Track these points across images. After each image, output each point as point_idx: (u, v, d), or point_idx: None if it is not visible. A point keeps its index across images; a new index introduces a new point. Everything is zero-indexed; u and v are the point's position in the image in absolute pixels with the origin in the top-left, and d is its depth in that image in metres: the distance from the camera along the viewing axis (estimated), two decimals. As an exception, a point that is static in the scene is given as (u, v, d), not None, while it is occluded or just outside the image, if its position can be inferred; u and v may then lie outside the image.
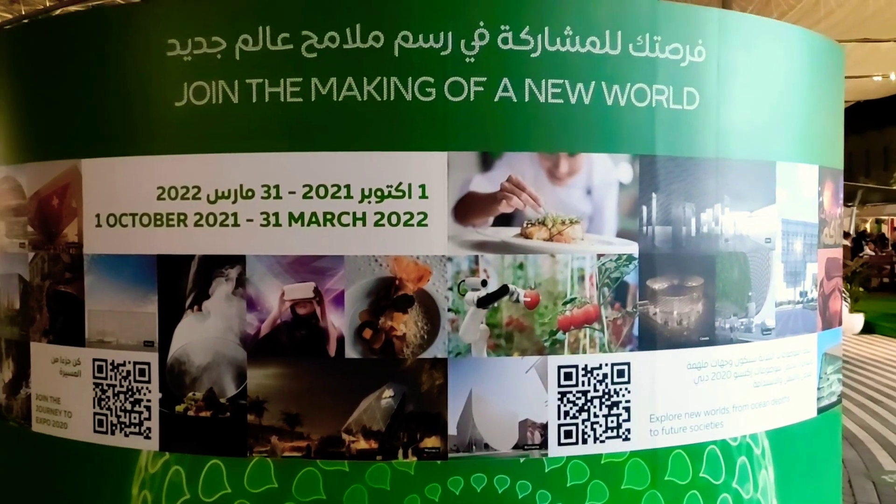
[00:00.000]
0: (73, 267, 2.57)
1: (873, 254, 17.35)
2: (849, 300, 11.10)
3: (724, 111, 2.60)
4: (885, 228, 31.10)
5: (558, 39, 2.38)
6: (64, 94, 2.62)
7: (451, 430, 2.36)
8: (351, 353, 2.35)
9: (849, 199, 17.72)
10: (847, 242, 16.85)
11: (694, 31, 2.53)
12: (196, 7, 2.46)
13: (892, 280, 16.35)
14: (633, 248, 2.47)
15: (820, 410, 2.94)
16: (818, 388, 2.93)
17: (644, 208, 2.48)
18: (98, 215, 2.52)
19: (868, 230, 32.11)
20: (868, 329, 10.83)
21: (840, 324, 3.14)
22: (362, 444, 2.35)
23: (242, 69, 2.36)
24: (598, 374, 2.45)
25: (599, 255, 2.44)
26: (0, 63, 2.85)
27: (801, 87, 2.84)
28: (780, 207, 2.75)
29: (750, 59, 2.65)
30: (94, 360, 2.53)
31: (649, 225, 2.49)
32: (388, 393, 2.35)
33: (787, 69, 2.78)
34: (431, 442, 2.36)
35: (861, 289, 13.60)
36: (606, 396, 2.46)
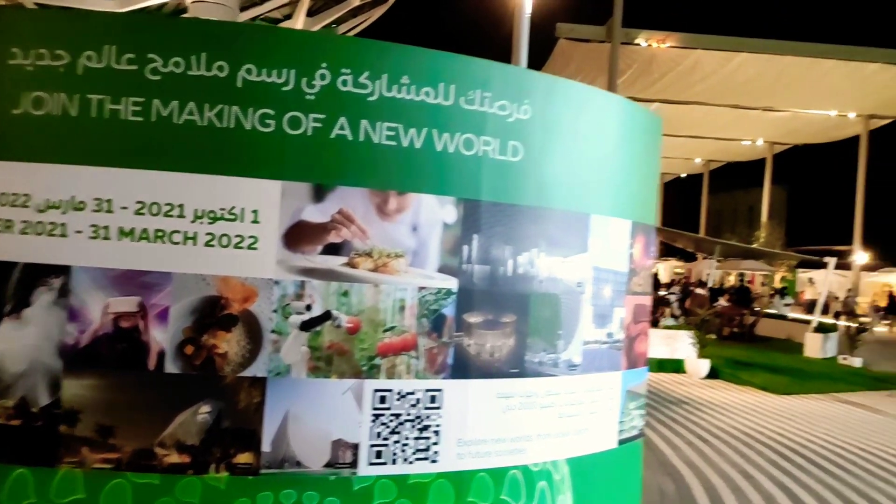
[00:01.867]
0: None
1: (727, 305, 18.63)
2: (697, 346, 11.89)
3: (546, 165, 2.86)
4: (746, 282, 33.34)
5: (395, 87, 2.57)
6: None
7: (265, 446, 2.45)
8: (171, 367, 2.41)
9: (709, 253, 18.98)
10: (704, 292, 18.02)
11: (522, 92, 2.79)
12: (42, 19, 2.49)
13: (742, 330, 17.61)
14: (452, 283, 2.67)
15: (621, 442, 3.22)
16: (620, 422, 3.22)
17: (465, 248, 2.69)
18: (-81, 215, 2.47)
19: (729, 283, 34.36)
20: (713, 374, 11.61)
21: (645, 364, 3.46)
22: (175, 458, 2.40)
23: (85, 84, 2.41)
24: (411, 399, 2.61)
25: (421, 288, 2.62)
26: None
27: (619, 150, 3.16)
28: (592, 256, 3.03)
29: (573, 121, 2.94)
30: None
31: (469, 263, 2.70)
32: (205, 409, 2.42)
33: (607, 133, 3.09)
34: (244, 458, 2.44)
35: (713, 336, 14.61)
36: (418, 420, 2.62)
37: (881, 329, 23.59)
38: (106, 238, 2.40)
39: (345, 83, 2.52)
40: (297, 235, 2.48)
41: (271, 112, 2.46)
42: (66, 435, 2.39)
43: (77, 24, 2.46)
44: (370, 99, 2.54)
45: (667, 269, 39.56)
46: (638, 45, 20.51)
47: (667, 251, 42.82)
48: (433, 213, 2.64)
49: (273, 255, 2.46)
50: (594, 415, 3.08)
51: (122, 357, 2.40)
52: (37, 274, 2.40)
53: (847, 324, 16.85)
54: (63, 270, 2.39)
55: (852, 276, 26.71)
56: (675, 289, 21.44)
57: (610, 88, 20.01)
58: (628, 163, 3.22)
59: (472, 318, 2.72)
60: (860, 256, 26.40)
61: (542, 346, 2.88)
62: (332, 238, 2.52)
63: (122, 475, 2.39)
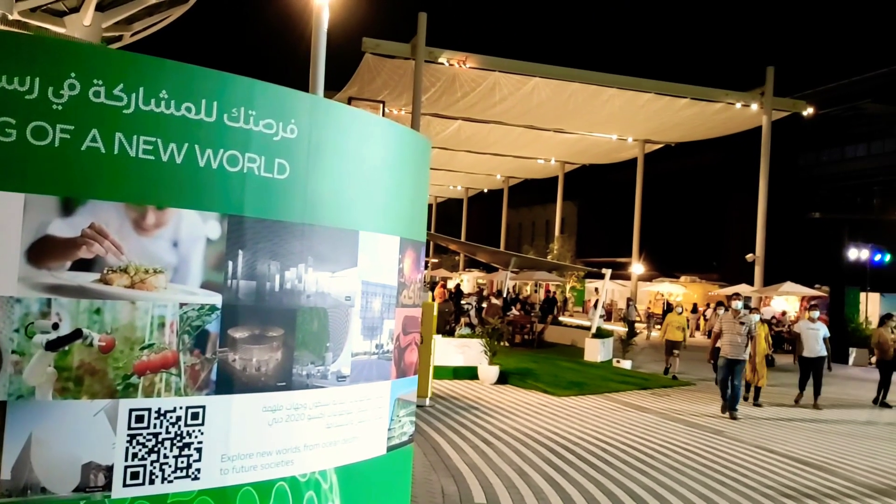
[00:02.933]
0: None
1: (519, 314, 19.77)
2: (488, 354, 12.51)
3: (313, 183, 2.95)
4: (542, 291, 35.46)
5: (153, 100, 2.54)
6: None
7: (5, 474, 2.31)
8: None
9: (505, 265, 20.04)
10: (498, 302, 18.98)
11: (288, 111, 2.86)
12: None
13: (532, 337, 18.77)
14: (216, 298, 2.67)
15: (390, 448, 3.37)
16: (389, 429, 3.36)
17: (230, 263, 2.71)
18: None
19: (525, 294, 36.40)
20: (503, 379, 12.27)
21: (415, 373, 3.64)
22: None
23: None
24: (171, 417, 2.58)
25: (182, 304, 2.60)
26: None
27: (387, 169, 3.32)
28: (362, 270, 3.16)
29: (340, 141, 3.05)
30: None
31: (234, 278, 2.72)
32: (-67, 437, 2.24)
33: (374, 153, 3.24)
34: (-20, 488, 2.29)
35: (506, 343, 15.43)
36: (178, 438, 2.59)
37: (654, 334, 26.11)
38: None
39: (97, 94, 2.45)
40: (43, 251, 2.37)
41: (12, 121, 2.34)
42: None
43: None
44: (126, 112, 2.49)
45: (471, 280, 41.24)
46: (441, 63, 21.25)
47: (470, 263, 44.71)
48: (195, 228, 2.64)
49: (14, 272, 2.33)
50: (363, 423, 3.20)
51: None
52: None
53: (623, 329, 18.51)
54: None
55: (631, 286, 29.30)
56: (472, 299, 22.37)
57: (414, 105, 20.57)
58: (397, 182, 3.39)
59: (238, 334, 2.73)
60: (637, 268, 29.04)
61: (310, 358, 2.95)
62: (83, 254, 2.43)
63: None
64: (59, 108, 2.40)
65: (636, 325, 20.91)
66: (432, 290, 20.78)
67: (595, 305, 19.12)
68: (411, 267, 3.54)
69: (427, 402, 9.49)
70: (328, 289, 3.02)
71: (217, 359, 2.68)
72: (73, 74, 2.42)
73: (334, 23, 10.73)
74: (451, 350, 12.66)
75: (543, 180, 42.04)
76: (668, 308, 22.12)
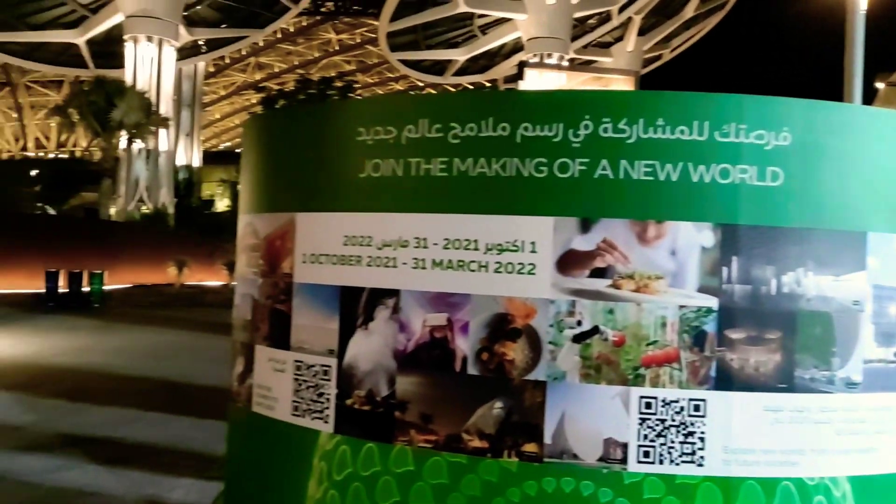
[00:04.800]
0: (286, 291, 3.52)
1: None
2: None
3: (810, 187, 2.94)
4: None
5: (651, 129, 2.92)
6: (289, 164, 3.62)
7: (547, 439, 2.94)
8: (472, 370, 3.03)
9: None
10: None
11: (780, 120, 2.93)
12: (376, 105, 3.33)
13: None
14: (713, 301, 2.90)
15: (918, 467, 3.09)
16: (916, 446, 3.09)
17: (725, 269, 2.91)
18: (304, 254, 3.45)
19: None
20: None
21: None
22: (477, 443, 3.01)
23: (406, 151, 3.17)
24: (675, 406, 2.90)
25: (681, 306, 2.91)
26: (249, 139, 3.95)
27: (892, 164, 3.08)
28: (872, 274, 3.00)
29: (840, 142, 2.98)
30: (295, 361, 3.45)
31: (729, 283, 2.91)
32: (499, 404, 2.99)
33: (884, 150, 3.04)
34: (530, 447, 2.95)
35: None
36: (683, 426, 2.90)
37: None
38: (423, 268, 3.11)
39: (605, 130, 2.93)
40: (568, 262, 2.95)
41: (544, 160, 2.97)
42: (399, 419, 3.13)
43: (400, 106, 3.24)
44: (628, 141, 2.92)
45: None
46: None
47: None
48: (691, 238, 2.91)
49: (548, 279, 2.96)
50: (882, 435, 3.03)
51: (436, 361, 3.08)
52: (377, 296, 3.20)
53: None
54: (394, 293, 3.16)
55: None
56: None
57: None
58: (911, 177, 3.11)
59: (735, 335, 2.91)
60: None
61: (813, 362, 2.95)
62: (598, 263, 2.93)
63: (439, 454, 3.05)
64: (577, 145, 2.95)
65: None
66: None
67: None
68: (940, 268, 3.18)
69: None
70: (831, 293, 2.97)
71: (715, 357, 2.90)
72: (587, 117, 2.95)
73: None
74: None
75: None
76: None
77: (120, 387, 8.66)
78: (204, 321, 16.27)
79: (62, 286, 19.56)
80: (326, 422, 3.33)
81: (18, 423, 6.63)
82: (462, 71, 49.32)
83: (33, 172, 44.21)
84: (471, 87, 51.50)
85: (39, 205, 36.67)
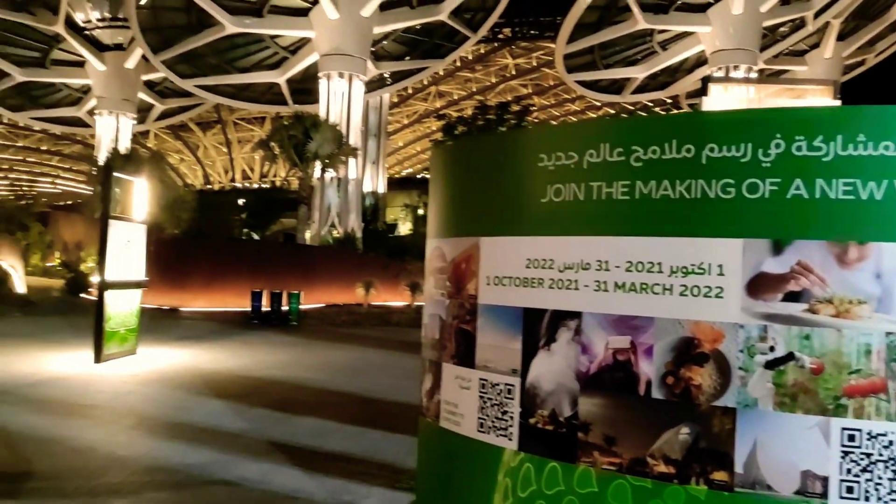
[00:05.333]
0: (471, 312, 3.68)
1: None
2: None
3: None
4: None
5: (850, 145, 2.77)
6: (473, 191, 3.78)
7: (738, 468, 2.84)
8: (656, 394, 3.00)
9: None
10: None
11: None
12: (557, 132, 3.41)
13: None
14: (926, 328, 2.68)
15: None
16: None
17: (939, 293, 2.68)
18: (488, 277, 3.59)
19: None
20: None
21: None
22: (662, 468, 2.97)
23: (588, 175, 3.23)
24: (883, 441, 2.70)
25: (888, 333, 2.71)
26: (436, 168, 4.17)
27: None
28: None
29: None
30: (480, 379, 3.58)
31: (946, 309, 2.68)
32: (685, 430, 2.94)
33: None
34: (720, 475, 2.87)
35: None
36: (892, 462, 2.69)
37: None
38: (605, 290, 3.13)
39: (799, 148, 2.82)
40: (759, 285, 2.85)
41: (732, 181, 2.91)
42: (583, 440, 3.16)
43: (581, 131, 3.30)
44: (825, 159, 2.79)
45: None
46: None
47: None
48: (899, 260, 2.72)
49: (737, 303, 2.87)
50: None
51: (619, 383, 3.09)
52: (559, 318, 3.27)
53: None
54: (576, 315, 3.21)
55: None
56: None
57: None
58: None
59: (953, 365, 2.67)
60: None
61: None
62: (792, 287, 2.81)
63: (623, 477, 3.05)
64: (768, 165, 2.86)
65: None
66: None
67: None
68: None
69: None
70: None
71: (931, 389, 2.67)
72: (778, 135, 2.85)
73: None
74: None
75: None
76: None
77: (319, 399, 9.29)
78: (392, 339, 17.06)
79: (265, 305, 21.29)
80: (511, 439, 3.42)
81: (235, 431, 7.33)
82: (641, 88, 48.17)
83: (241, 201, 48.68)
84: (650, 104, 50.18)
85: (245, 230, 40.25)
